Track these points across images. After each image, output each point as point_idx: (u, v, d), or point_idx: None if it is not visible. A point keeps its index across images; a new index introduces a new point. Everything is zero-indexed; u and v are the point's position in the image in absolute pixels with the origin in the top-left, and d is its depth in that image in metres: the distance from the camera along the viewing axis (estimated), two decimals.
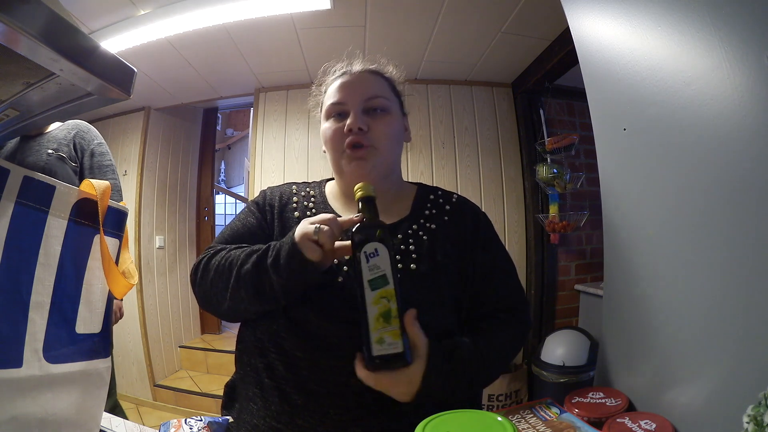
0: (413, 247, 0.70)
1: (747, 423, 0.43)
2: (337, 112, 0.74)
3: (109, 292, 0.61)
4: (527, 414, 0.67)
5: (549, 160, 2.43)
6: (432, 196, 0.79)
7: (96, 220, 0.59)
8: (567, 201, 2.51)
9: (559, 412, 0.67)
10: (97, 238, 0.59)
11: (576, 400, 0.71)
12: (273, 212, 0.76)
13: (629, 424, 0.63)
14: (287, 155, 2.64)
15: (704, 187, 0.62)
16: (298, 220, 0.72)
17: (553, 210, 2.44)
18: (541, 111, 2.55)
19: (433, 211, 0.76)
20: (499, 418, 0.52)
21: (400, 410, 0.61)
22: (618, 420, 0.64)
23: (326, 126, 0.76)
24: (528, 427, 0.63)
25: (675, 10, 0.65)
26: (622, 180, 0.82)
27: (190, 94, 2.84)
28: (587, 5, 0.88)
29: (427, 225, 0.73)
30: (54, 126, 1.52)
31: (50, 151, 1.43)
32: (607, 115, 0.85)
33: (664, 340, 0.71)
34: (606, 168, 0.86)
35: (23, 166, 1.39)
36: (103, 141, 1.59)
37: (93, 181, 0.59)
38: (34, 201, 0.51)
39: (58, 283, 0.53)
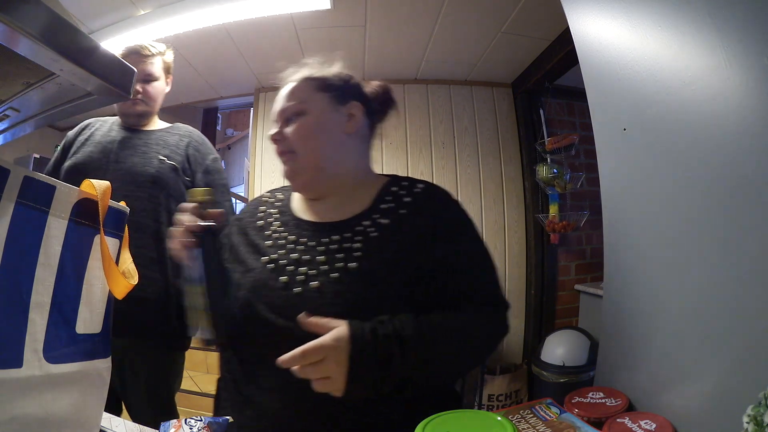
0: (358, 245, 0.67)
1: (747, 423, 0.43)
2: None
3: (110, 292, 0.61)
4: (527, 414, 0.67)
5: (549, 160, 2.43)
6: (395, 188, 0.75)
7: (96, 220, 0.59)
8: (567, 201, 2.51)
9: (559, 412, 0.67)
10: (97, 238, 0.59)
11: (576, 400, 0.71)
12: (231, 229, 0.81)
13: (629, 424, 0.63)
14: None
15: (704, 187, 0.62)
16: (260, 228, 0.77)
17: (553, 210, 2.44)
18: (541, 111, 2.55)
19: (391, 205, 0.72)
20: (499, 418, 0.52)
21: (344, 405, 0.59)
22: (618, 420, 0.64)
23: None
24: (528, 427, 0.63)
25: (675, 10, 0.65)
26: (622, 180, 0.82)
27: (190, 94, 2.84)
28: (587, 5, 0.88)
29: (380, 221, 0.70)
30: (160, 124, 1.35)
31: (162, 157, 1.23)
32: (607, 115, 0.85)
33: (664, 340, 0.71)
34: (606, 168, 0.86)
35: (126, 163, 1.23)
36: (217, 156, 1.40)
37: (93, 181, 0.59)
38: (35, 201, 0.51)
39: (58, 283, 0.53)
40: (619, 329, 0.83)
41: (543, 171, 2.42)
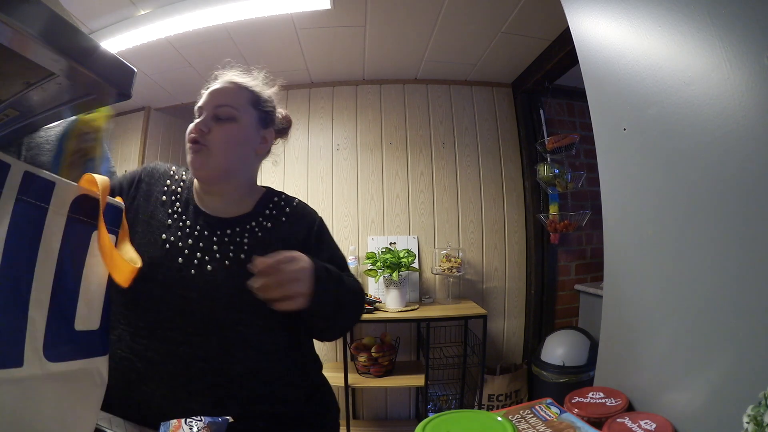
0: (246, 240, 0.81)
1: (747, 423, 0.43)
2: (198, 114, 0.84)
3: (107, 288, 0.61)
4: (527, 414, 0.67)
5: (549, 159, 2.44)
6: (276, 199, 0.89)
7: (93, 217, 0.59)
8: (567, 201, 2.51)
9: (559, 412, 0.67)
10: (94, 235, 0.59)
11: (576, 400, 0.71)
12: (139, 186, 0.84)
13: (629, 424, 0.63)
14: (287, 155, 2.64)
15: (704, 187, 0.62)
16: (164, 203, 0.82)
17: (554, 210, 2.44)
18: (541, 111, 2.55)
19: (273, 212, 0.86)
20: (499, 418, 0.53)
21: (227, 378, 0.72)
22: (618, 420, 0.64)
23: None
24: (528, 427, 0.63)
25: (675, 10, 0.65)
26: (622, 180, 0.82)
27: (190, 94, 2.82)
28: (587, 5, 0.88)
29: (265, 223, 0.84)
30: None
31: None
32: (607, 115, 0.85)
33: (664, 340, 0.71)
34: (606, 168, 0.86)
35: (34, 162, 1.31)
36: None
37: (95, 175, 0.59)
38: (35, 197, 0.51)
39: (57, 281, 0.53)
40: (619, 329, 0.83)
41: (543, 171, 2.42)
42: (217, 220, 0.82)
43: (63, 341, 0.54)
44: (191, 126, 0.82)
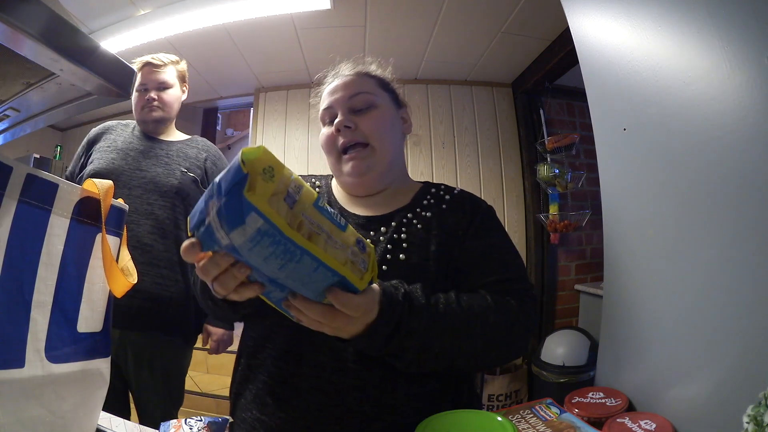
0: (405, 236, 0.69)
1: (747, 423, 0.43)
2: (329, 116, 0.75)
3: (110, 291, 0.61)
4: (527, 414, 0.67)
5: (549, 159, 2.43)
6: (434, 190, 0.78)
7: (97, 219, 0.59)
8: (567, 201, 2.51)
9: (559, 412, 0.67)
10: (98, 237, 0.59)
11: (576, 400, 0.71)
12: None
13: (629, 424, 0.63)
14: (287, 155, 2.64)
15: (704, 187, 0.62)
16: None
17: (554, 210, 2.44)
18: (541, 111, 2.55)
19: (432, 201, 0.75)
20: (499, 418, 0.53)
21: (381, 410, 0.60)
22: (618, 420, 0.64)
23: (322, 132, 0.77)
24: (528, 427, 0.63)
25: (675, 10, 0.65)
26: (622, 180, 0.82)
27: (190, 94, 2.80)
28: (587, 5, 0.88)
29: (423, 213, 0.72)
30: (179, 136, 1.41)
31: (183, 169, 1.31)
32: (607, 115, 0.85)
33: (664, 340, 0.71)
34: (606, 168, 0.86)
35: (150, 172, 1.28)
36: None
37: (95, 180, 0.59)
38: (37, 199, 0.51)
39: (60, 282, 0.53)
40: (619, 329, 0.83)
41: (544, 171, 2.42)
42: (367, 219, 0.72)
43: (65, 343, 0.54)
44: (329, 132, 0.74)
